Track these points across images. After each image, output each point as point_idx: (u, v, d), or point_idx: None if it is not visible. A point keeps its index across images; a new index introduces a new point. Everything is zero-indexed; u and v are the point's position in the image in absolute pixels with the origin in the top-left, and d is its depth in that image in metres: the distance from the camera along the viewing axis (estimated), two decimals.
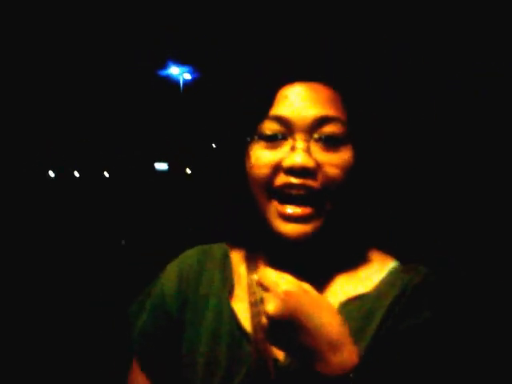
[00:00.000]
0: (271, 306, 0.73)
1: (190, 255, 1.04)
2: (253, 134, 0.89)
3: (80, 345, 3.67)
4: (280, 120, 0.87)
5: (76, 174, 31.54)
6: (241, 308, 0.92)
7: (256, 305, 0.88)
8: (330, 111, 0.87)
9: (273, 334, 0.75)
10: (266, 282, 0.76)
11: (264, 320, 0.75)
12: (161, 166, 33.12)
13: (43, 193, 16.01)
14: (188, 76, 32.92)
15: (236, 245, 1.00)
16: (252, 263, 0.96)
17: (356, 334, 0.81)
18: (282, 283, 0.74)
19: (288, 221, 0.85)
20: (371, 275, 0.90)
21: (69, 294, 4.91)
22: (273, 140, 0.87)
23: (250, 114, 0.91)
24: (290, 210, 0.85)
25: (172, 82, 33.12)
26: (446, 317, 0.83)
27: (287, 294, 0.73)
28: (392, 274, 0.89)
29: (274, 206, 0.87)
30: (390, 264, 0.91)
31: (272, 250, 0.92)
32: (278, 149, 0.87)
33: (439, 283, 0.87)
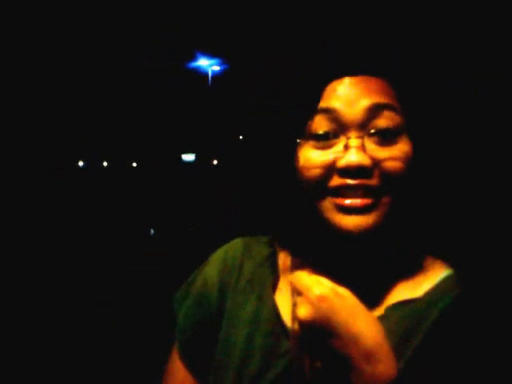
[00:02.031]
0: (302, 311, 0.70)
1: (235, 245, 1.01)
2: (302, 133, 0.84)
3: (111, 333, 3.72)
4: (330, 113, 0.82)
5: (105, 164, 31.86)
6: (283, 303, 0.89)
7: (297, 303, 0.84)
8: (382, 99, 0.81)
9: (304, 340, 0.72)
10: (299, 286, 0.73)
11: (296, 325, 0.72)
12: (188, 158, 33.22)
13: (73, 182, 16.21)
14: (217, 68, 32.91)
15: (283, 239, 0.96)
16: (298, 260, 0.92)
17: (401, 340, 0.78)
18: (314, 287, 0.71)
19: (347, 213, 0.79)
20: (423, 281, 0.85)
21: (99, 282, 4.98)
22: (324, 139, 0.82)
23: (298, 111, 0.85)
24: (349, 200, 0.79)
25: (201, 74, 33.15)
26: (500, 334, 0.76)
27: (320, 298, 0.70)
28: (444, 283, 0.84)
29: (330, 201, 0.81)
30: (444, 272, 0.86)
31: (322, 248, 0.87)
32: (330, 148, 0.81)
33: (495, 296, 0.80)
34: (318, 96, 0.84)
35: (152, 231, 8.40)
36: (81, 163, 29.54)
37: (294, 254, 0.94)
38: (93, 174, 23.85)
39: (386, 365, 0.68)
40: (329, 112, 0.82)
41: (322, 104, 0.83)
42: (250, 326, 0.90)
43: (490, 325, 0.76)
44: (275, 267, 0.94)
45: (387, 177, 0.80)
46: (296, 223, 0.91)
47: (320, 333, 0.69)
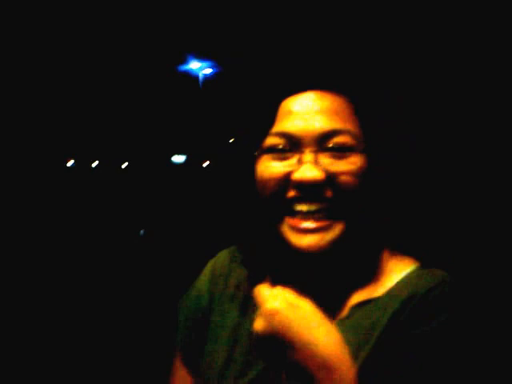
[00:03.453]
0: (257, 324, 0.73)
1: (224, 254, 1.07)
2: (258, 147, 0.87)
3: (101, 334, 3.70)
4: (285, 136, 0.84)
5: (94, 164, 31.70)
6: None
7: None
8: (338, 124, 0.83)
9: (262, 352, 0.75)
10: (257, 299, 0.75)
11: (253, 338, 0.75)
12: (178, 159, 33.16)
13: (61, 182, 16.12)
14: (208, 70, 32.91)
15: (259, 253, 0.99)
16: (275, 269, 0.95)
17: (362, 338, 0.80)
18: (268, 301, 0.73)
19: (302, 233, 0.83)
20: (385, 280, 0.88)
21: (89, 283, 4.96)
22: (279, 152, 0.85)
23: (253, 130, 0.88)
24: (304, 224, 0.83)
25: (192, 77, 33.12)
26: (459, 325, 0.78)
27: (273, 311, 0.72)
28: (406, 279, 0.86)
29: (286, 221, 0.84)
30: (409, 268, 0.89)
31: (285, 258, 0.90)
32: (286, 161, 0.84)
33: (456, 288, 0.82)
34: (273, 119, 0.86)
35: (142, 232, 8.37)
36: (70, 163, 29.36)
37: (258, 264, 0.97)
38: (82, 173, 23.73)
39: (343, 373, 0.70)
40: (283, 135, 0.85)
41: (277, 127, 0.85)
42: (234, 330, 0.95)
43: (447, 317, 0.79)
44: (256, 279, 0.95)
45: (340, 189, 0.83)
46: (258, 237, 0.95)
47: (276, 345, 0.71)
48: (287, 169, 0.84)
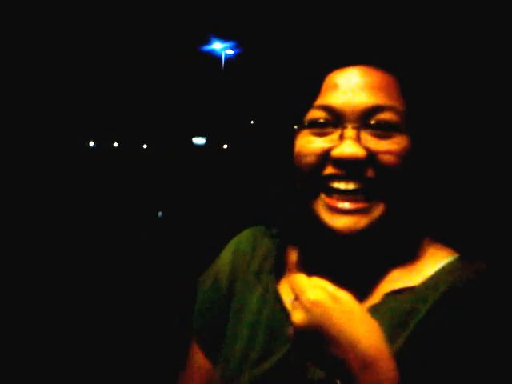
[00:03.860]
0: (297, 316, 0.68)
1: (247, 233, 1.03)
2: (300, 121, 0.84)
3: (121, 317, 3.72)
4: (329, 109, 0.80)
5: (115, 144, 31.99)
6: (287, 293, 0.88)
7: None
8: (383, 99, 0.79)
9: (300, 346, 0.70)
10: (295, 289, 0.71)
11: (291, 330, 0.70)
12: (198, 141, 33.30)
13: (83, 163, 16.31)
14: (230, 51, 32.83)
15: (284, 234, 0.96)
16: (304, 250, 0.92)
17: (396, 327, 0.76)
18: (308, 292, 0.68)
19: (339, 213, 0.79)
20: (423, 269, 0.83)
21: (108, 265, 5.00)
22: (321, 127, 0.81)
23: (296, 103, 0.85)
24: (340, 204, 0.78)
25: (214, 57, 33.11)
26: (500, 318, 0.73)
27: (314, 303, 0.67)
28: (446, 269, 0.81)
29: (322, 198, 0.80)
30: (447, 258, 0.83)
31: (321, 241, 0.86)
32: (327, 136, 0.81)
33: (497, 280, 0.77)
34: (317, 91, 0.82)
35: (160, 213, 8.42)
36: (91, 143, 29.65)
37: (296, 247, 0.93)
38: (103, 154, 23.97)
39: (385, 374, 0.65)
40: (326, 108, 0.81)
41: (322, 100, 0.81)
42: (255, 315, 0.91)
43: (488, 311, 0.74)
44: (281, 259, 0.94)
45: (382, 169, 0.78)
46: (295, 218, 0.90)
47: (315, 338, 0.67)
48: (327, 144, 0.80)
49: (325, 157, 0.80)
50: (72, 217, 7.15)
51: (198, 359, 0.99)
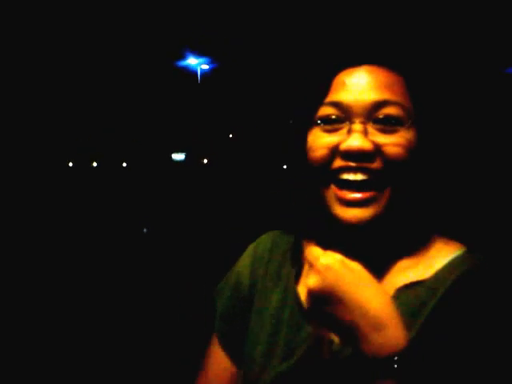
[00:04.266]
0: (310, 281, 0.72)
1: (265, 238, 1.06)
2: (310, 118, 0.88)
3: (105, 332, 3.70)
4: (338, 105, 0.85)
5: (94, 164, 31.72)
6: (305, 291, 0.90)
7: None
8: (389, 95, 0.84)
9: (314, 310, 0.73)
10: (310, 258, 0.74)
11: (306, 296, 0.73)
12: (178, 157, 33.16)
13: (63, 183, 16.13)
14: (206, 66, 32.86)
15: (304, 230, 0.99)
16: (317, 245, 0.91)
17: (408, 320, 0.77)
18: (322, 257, 0.73)
19: (348, 206, 0.83)
20: (432, 262, 0.86)
21: (93, 282, 4.96)
22: (330, 123, 0.86)
23: (307, 101, 0.89)
24: (350, 195, 0.83)
25: (190, 73, 33.09)
26: (504, 310, 0.76)
27: (327, 267, 0.71)
28: (454, 262, 0.85)
29: (332, 191, 0.85)
30: (455, 252, 0.87)
31: (332, 235, 0.89)
32: (336, 132, 0.85)
33: (503, 274, 0.80)
34: (327, 89, 0.87)
35: (145, 230, 8.39)
36: (70, 164, 29.37)
37: (311, 243, 0.95)
38: (82, 174, 23.73)
39: (394, 333, 0.69)
40: (336, 104, 0.86)
41: (331, 97, 0.87)
42: (276, 315, 0.94)
43: (496, 302, 0.77)
44: (299, 258, 0.97)
45: (388, 161, 0.83)
46: (307, 214, 0.95)
47: (328, 302, 0.71)
48: (336, 139, 0.84)
49: (334, 150, 0.85)
50: (56, 237, 7.08)
51: (223, 361, 1.02)
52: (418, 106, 0.86)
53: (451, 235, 0.90)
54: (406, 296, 0.83)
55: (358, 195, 0.82)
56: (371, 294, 0.71)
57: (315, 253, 0.75)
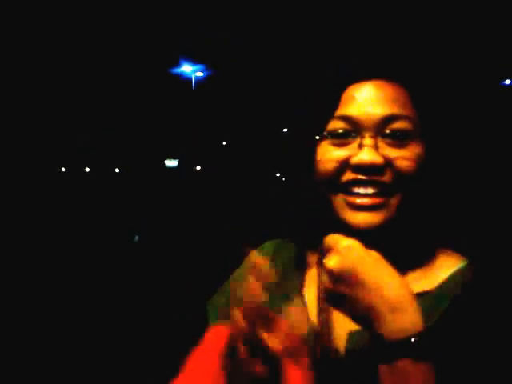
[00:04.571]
0: (331, 262, 0.73)
1: (267, 246, 1.06)
2: (320, 132, 0.90)
3: (95, 340, 3.67)
4: (348, 120, 0.87)
5: (87, 169, 31.63)
6: (309, 302, 0.93)
7: (323, 300, 0.88)
8: (397, 109, 0.86)
9: (332, 292, 0.74)
10: (330, 242, 0.76)
11: (325, 278, 0.74)
12: (171, 163, 33.14)
13: (55, 188, 16.07)
14: (200, 74, 32.91)
15: (308, 238, 1.00)
16: (323, 255, 0.93)
17: None
18: (343, 239, 0.74)
19: (358, 210, 0.85)
20: (436, 274, 0.88)
21: (84, 289, 4.93)
22: (340, 137, 0.87)
23: (317, 115, 0.91)
24: (360, 199, 0.84)
25: (184, 80, 33.14)
26: (509, 324, 0.78)
27: (347, 248, 0.73)
28: (458, 274, 0.87)
29: (341, 197, 0.86)
30: (458, 263, 0.89)
31: None
32: (346, 146, 0.87)
33: (506, 284, 0.82)
34: (337, 103, 0.89)
35: (137, 237, 8.35)
36: (63, 169, 29.28)
37: (315, 252, 0.97)
38: (74, 179, 23.66)
39: (411, 316, 0.69)
40: (346, 118, 0.88)
41: (341, 111, 0.88)
42: None
43: (499, 314, 0.78)
44: (302, 267, 0.98)
45: (398, 175, 0.84)
46: (312, 222, 0.95)
47: (347, 282, 0.71)
48: (347, 153, 0.86)
49: (344, 164, 0.86)
50: (46, 244, 7.04)
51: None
52: (425, 119, 0.88)
53: (454, 247, 0.91)
54: None
55: (367, 200, 0.84)
56: (390, 278, 0.72)
57: (335, 236, 0.76)
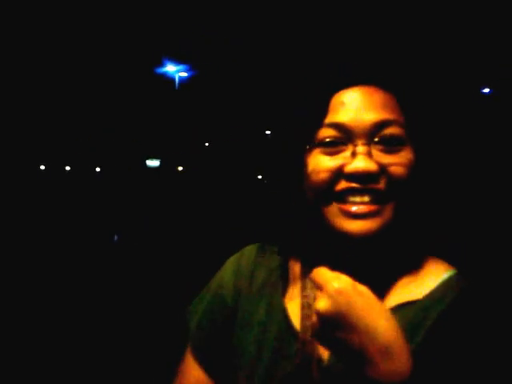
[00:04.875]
0: (321, 304, 0.71)
1: (249, 250, 1.05)
2: (310, 140, 0.88)
3: (75, 345, 3.63)
4: (338, 127, 0.85)
5: (67, 168, 31.38)
6: (292, 307, 0.92)
7: (307, 307, 0.88)
8: (389, 115, 0.86)
9: (322, 333, 0.72)
10: (319, 280, 0.74)
11: (314, 318, 0.72)
12: (153, 163, 33.03)
13: (35, 186, 15.92)
14: (184, 74, 32.85)
15: (292, 246, 0.99)
16: (307, 264, 0.94)
17: None
18: (334, 281, 0.72)
19: (353, 218, 0.83)
20: (425, 282, 0.88)
21: (63, 288, 4.87)
22: (331, 146, 0.86)
23: (305, 123, 0.89)
24: (355, 207, 0.83)
25: (168, 80, 33.06)
26: (499, 334, 0.78)
27: (339, 292, 0.71)
28: (446, 284, 0.86)
29: (335, 206, 0.85)
30: (446, 273, 0.88)
31: (328, 252, 0.90)
32: (338, 154, 0.85)
33: (496, 296, 0.82)
34: (325, 109, 0.87)
35: (116, 237, 8.29)
36: (42, 167, 29.01)
37: (303, 257, 0.96)
38: (54, 178, 23.45)
39: (401, 361, 0.69)
40: (336, 126, 0.85)
41: (330, 118, 0.86)
42: (260, 330, 0.93)
43: (489, 324, 0.78)
44: (285, 275, 0.97)
45: (392, 181, 0.83)
46: (300, 231, 0.94)
47: (337, 326, 0.70)
48: (340, 161, 0.84)
49: (338, 173, 0.84)
50: (26, 243, 6.96)
51: (197, 374, 1.00)
52: (413, 124, 0.87)
53: (442, 255, 0.91)
54: (398, 316, 0.80)
55: (362, 207, 0.83)
56: (381, 319, 0.71)
57: (325, 275, 0.74)
